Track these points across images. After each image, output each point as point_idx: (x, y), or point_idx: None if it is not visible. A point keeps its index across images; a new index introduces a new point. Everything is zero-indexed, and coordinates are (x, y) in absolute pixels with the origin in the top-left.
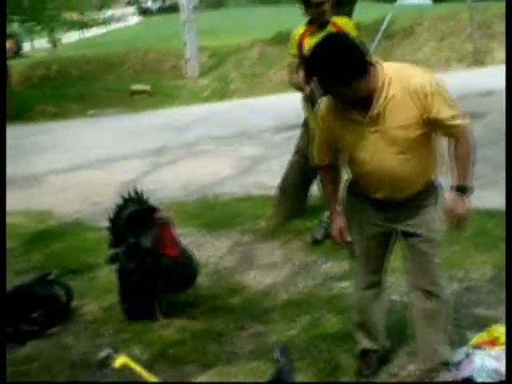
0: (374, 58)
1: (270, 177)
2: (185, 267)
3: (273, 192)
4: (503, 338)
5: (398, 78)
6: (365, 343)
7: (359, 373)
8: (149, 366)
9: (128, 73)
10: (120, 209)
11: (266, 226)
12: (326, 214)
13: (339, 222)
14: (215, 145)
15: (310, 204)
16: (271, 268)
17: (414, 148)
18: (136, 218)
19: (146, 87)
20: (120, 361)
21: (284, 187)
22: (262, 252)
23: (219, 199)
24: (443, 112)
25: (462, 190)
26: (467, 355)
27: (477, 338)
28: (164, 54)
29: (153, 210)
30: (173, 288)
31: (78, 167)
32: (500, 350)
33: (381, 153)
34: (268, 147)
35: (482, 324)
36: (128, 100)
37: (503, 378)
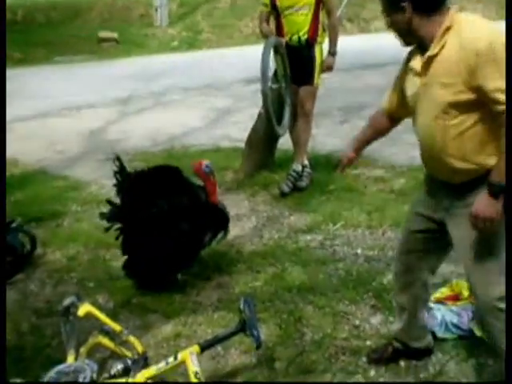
0: (448, 6)
1: (239, 129)
2: (224, 211)
3: (241, 144)
4: (466, 293)
5: (458, 28)
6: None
7: (368, 354)
8: (113, 314)
9: (96, 20)
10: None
11: (234, 178)
12: (294, 166)
13: (350, 149)
14: (184, 95)
15: (278, 157)
16: (237, 220)
17: (458, 116)
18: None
19: (114, 35)
20: (84, 309)
21: (252, 139)
22: (228, 204)
23: (187, 150)
24: (491, 81)
25: (492, 188)
26: (429, 310)
27: (439, 293)
28: (133, 1)
29: (174, 169)
30: (216, 237)
31: (44, 114)
32: (461, 306)
33: (423, 112)
34: (237, 99)
35: (445, 279)
36: (95, 47)
37: (464, 333)
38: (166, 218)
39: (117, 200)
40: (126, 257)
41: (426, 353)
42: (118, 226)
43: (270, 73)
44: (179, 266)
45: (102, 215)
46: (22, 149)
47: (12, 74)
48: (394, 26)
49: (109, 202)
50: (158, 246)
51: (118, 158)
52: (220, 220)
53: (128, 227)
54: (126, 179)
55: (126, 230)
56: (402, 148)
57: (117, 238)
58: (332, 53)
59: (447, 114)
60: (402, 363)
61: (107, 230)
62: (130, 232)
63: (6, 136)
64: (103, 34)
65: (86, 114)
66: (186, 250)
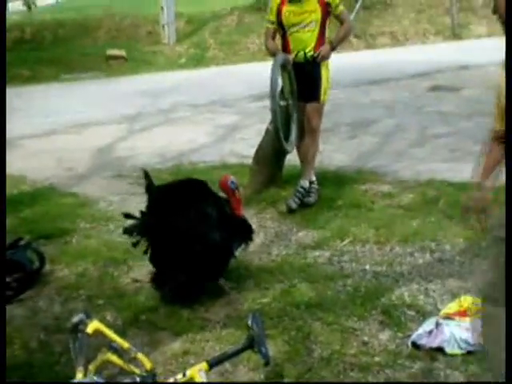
0: None
1: (246, 145)
2: (248, 222)
3: (249, 160)
4: (473, 309)
5: None
6: None
7: None
8: (121, 331)
9: (104, 38)
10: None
11: (242, 195)
12: (301, 182)
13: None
14: (191, 112)
15: (286, 173)
16: None
17: None
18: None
19: (122, 52)
20: (92, 326)
21: (260, 156)
22: None
23: (195, 167)
24: None
25: None
26: (437, 325)
27: (447, 308)
28: (140, 19)
29: (198, 182)
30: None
31: (52, 132)
32: (470, 322)
33: None
34: (244, 115)
35: (453, 295)
36: (103, 65)
37: (473, 348)
38: (196, 229)
39: (135, 213)
40: (153, 270)
41: None
42: (138, 238)
43: (278, 90)
44: (211, 275)
45: (127, 230)
46: (31, 166)
47: (20, 91)
48: None
49: (127, 215)
50: (190, 256)
51: (147, 174)
52: (245, 231)
53: (158, 240)
54: (155, 193)
55: (155, 242)
56: (409, 163)
57: (145, 252)
58: (332, 45)
59: None
60: (411, 380)
61: (135, 245)
62: (160, 244)
63: (15, 153)
64: (111, 51)
65: (94, 131)
66: (217, 260)
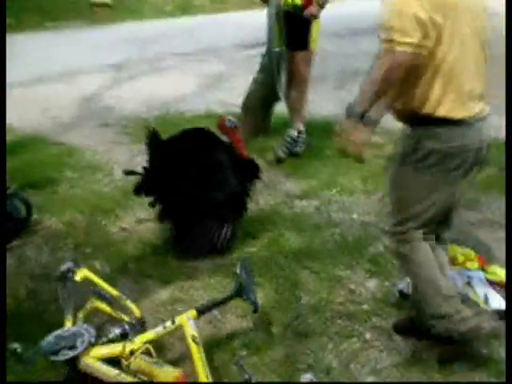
0: None
1: (234, 94)
2: (254, 161)
3: (236, 109)
4: (460, 258)
5: None
6: None
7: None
8: (110, 280)
9: None
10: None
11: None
12: (289, 132)
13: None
14: (178, 61)
15: (274, 122)
16: None
17: None
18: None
19: (107, 0)
20: (81, 274)
21: (247, 105)
22: None
23: (181, 116)
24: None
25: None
26: None
27: None
28: None
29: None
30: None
31: (37, 81)
32: (456, 270)
33: None
34: (232, 64)
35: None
36: (88, 13)
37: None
38: (211, 173)
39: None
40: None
41: None
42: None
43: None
44: (233, 216)
45: (139, 189)
46: (16, 115)
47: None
48: None
49: (129, 172)
50: (209, 201)
51: (153, 130)
52: (254, 170)
53: (172, 191)
54: (161, 146)
55: (169, 195)
56: None
57: (153, 206)
58: (321, 3)
59: None
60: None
61: (153, 205)
62: (174, 196)
63: None
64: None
65: (80, 79)
66: (237, 201)
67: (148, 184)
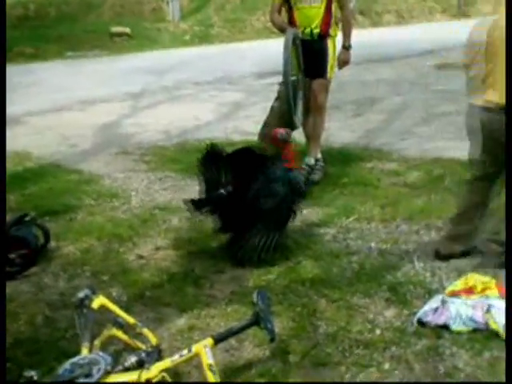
0: None
1: (251, 123)
2: (300, 179)
3: (253, 137)
4: (479, 287)
5: None
6: None
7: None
8: (127, 307)
9: (108, 14)
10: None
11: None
12: (306, 160)
13: None
14: (196, 89)
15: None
16: None
17: None
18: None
19: (126, 29)
20: (98, 301)
21: (264, 133)
22: None
23: (200, 144)
24: None
25: None
26: (443, 303)
27: (453, 286)
28: None
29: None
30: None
31: (57, 109)
32: (476, 299)
33: None
34: (249, 93)
35: (459, 273)
36: (108, 42)
37: (479, 326)
38: (265, 188)
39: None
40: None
41: None
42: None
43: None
44: (279, 226)
45: (197, 205)
46: (36, 142)
47: (25, 69)
48: None
49: (193, 202)
50: (263, 212)
51: (215, 146)
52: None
53: (233, 207)
54: (221, 161)
55: (230, 211)
56: (415, 141)
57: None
58: (347, 47)
59: None
60: (416, 357)
61: (220, 231)
62: (234, 211)
63: (20, 130)
64: (115, 28)
65: (99, 108)
66: (285, 212)
67: (211, 200)
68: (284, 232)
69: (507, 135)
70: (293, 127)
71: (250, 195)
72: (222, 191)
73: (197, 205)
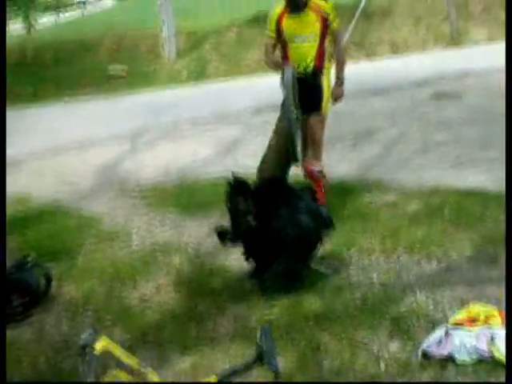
0: None
1: (250, 158)
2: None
3: (253, 171)
4: (482, 317)
5: None
6: None
7: None
8: (129, 347)
9: (104, 56)
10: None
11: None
12: None
13: None
14: (194, 127)
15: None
16: None
17: None
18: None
19: (123, 72)
20: (101, 344)
21: (263, 169)
22: None
23: (199, 182)
24: None
25: None
26: (447, 334)
27: (456, 316)
28: (140, 36)
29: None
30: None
31: (56, 151)
32: (479, 329)
33: None
34: (247, 129)
35: (461, 303)
36: (105, 83)
37: (483, 356)
38: (291, 218)
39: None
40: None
41: None
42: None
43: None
44: (305, 259)
45: (221, 236)
46: (35, 185)
47: (23, 112)
48: None
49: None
50: (287, 242)
51: (237, 177)
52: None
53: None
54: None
55: (256, 240)
56: (412, 171)
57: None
58: (340, 82)
59: None
60: None
61: (247, 256)
62: (260, 241)
63: (19, 172)
64: (112, 70)
65: (98, 148)
66: (310, 244)
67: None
68: (309, 262)
69: (507, 139)
70: (290, 162)
71: (276, 225)
72: (250, 220)
73: (224, 235)
